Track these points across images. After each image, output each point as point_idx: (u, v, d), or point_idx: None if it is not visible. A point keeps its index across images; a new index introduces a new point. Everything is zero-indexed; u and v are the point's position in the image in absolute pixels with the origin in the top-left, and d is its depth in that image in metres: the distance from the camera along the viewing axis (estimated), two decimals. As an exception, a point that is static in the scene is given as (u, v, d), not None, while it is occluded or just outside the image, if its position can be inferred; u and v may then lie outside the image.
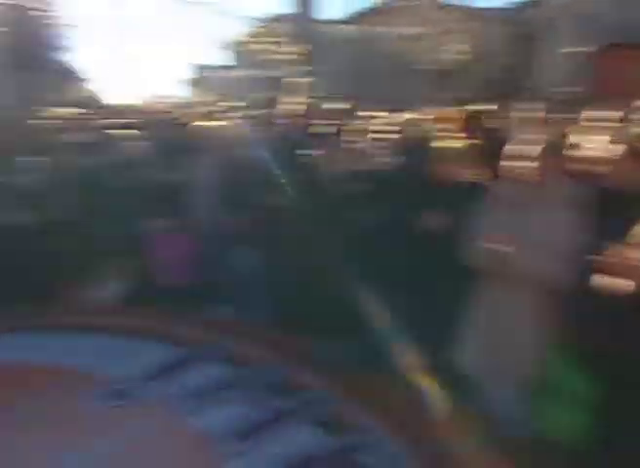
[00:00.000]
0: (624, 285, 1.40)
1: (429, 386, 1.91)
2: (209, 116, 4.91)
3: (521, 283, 2.09)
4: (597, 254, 1.49)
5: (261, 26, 16.58)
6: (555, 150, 2.28)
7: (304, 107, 4.68)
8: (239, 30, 17.40)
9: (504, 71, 13.62)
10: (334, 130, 3.60)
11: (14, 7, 11.78)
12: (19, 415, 2.06)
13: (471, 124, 3.00)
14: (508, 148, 2.33)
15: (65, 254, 3.63)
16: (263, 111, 5.22)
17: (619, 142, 1.77)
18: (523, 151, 2.28)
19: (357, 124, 3.78)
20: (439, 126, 3.29)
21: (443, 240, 2.52)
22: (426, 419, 1.79)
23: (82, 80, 14.30)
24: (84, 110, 6.01)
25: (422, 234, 2.70)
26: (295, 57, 13.41)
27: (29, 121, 4.84)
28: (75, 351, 2.56)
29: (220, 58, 18.14)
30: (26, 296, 3.30)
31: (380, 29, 15.23)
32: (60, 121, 5.17)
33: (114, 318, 3.07)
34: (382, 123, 3.79)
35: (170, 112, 6.31)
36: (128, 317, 3.11)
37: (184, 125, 4.48)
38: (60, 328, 2.88)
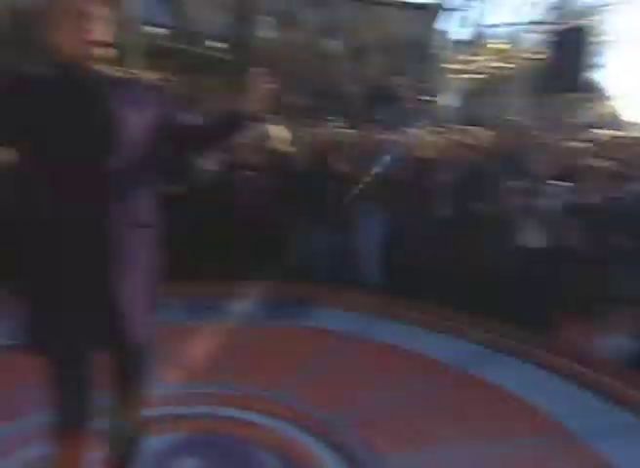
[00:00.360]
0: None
1: None
2: None
3: None
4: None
5: None
6: None
7: None
8: None
9: None
10: None
11: (551, 32, 12.29)
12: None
13: None
14: None
15: (566, 285, 3.38)
16: None
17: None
18: None
19: None
20: None
21: None
22: None
23: (607, 98, 13.63)
24: (617, 133, 5.52)
25: None
26: None
27: (557, 143, 4.80)
28: (556, 395, 2.25)
29: None
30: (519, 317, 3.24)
31: None
32: (588, 143, 4.90)
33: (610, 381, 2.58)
34: None
35: None
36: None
37: None
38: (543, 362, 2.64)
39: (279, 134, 4.47)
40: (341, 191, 4.04)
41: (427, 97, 11.82)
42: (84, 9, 1.25)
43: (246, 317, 3.25)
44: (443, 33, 13.48)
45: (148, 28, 19.06)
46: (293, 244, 3.88)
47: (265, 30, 22.99)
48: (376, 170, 4.18)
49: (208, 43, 20.94)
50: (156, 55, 16.63)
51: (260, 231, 3.83)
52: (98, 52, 1.30)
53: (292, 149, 4.47)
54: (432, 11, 13.81)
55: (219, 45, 20.13)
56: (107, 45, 1.31)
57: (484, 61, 13.03)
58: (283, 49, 21.88)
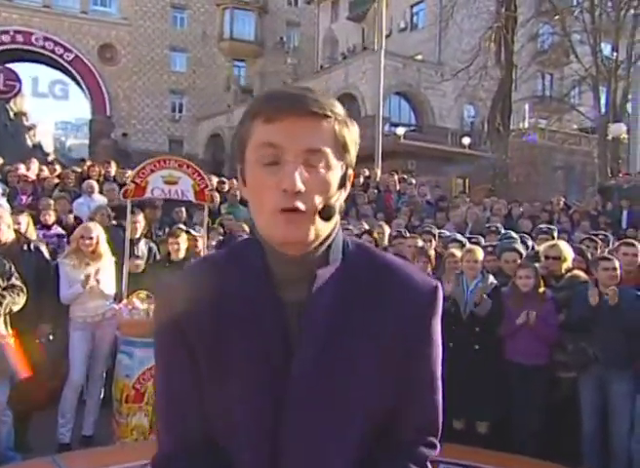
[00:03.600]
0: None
1: None
2: None
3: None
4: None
5: None
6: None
7: None
8: None
9: None
10: None
11: None
12: None
13: None
14: None
15: None
16: None
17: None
18: None
19: None
20: None
21: None
22: None
23: None
24: None
25: None
26: None
27: None
28: None
29: None
30: None
31: None
32: None
33: None
34: None
35: None
36: None
37: None
38: None
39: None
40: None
41: None
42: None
43: None
44: None
45: (393, 128, 21.90)
46: None
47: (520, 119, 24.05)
48: None
49: (453, 138, 22.95)
50: (399, 154, 19.01)
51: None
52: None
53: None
54: None
55: (465, 140, 21.86)
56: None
57: None
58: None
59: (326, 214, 0.89)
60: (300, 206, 0.86)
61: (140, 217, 5.10)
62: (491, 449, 3.80)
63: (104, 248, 4.04)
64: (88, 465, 3.40)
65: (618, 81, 19.50)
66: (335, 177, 0.90)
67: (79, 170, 7.90)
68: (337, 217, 0.94)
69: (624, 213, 9.42)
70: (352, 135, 0.92)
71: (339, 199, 0.92)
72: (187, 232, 4.42)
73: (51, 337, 4.34)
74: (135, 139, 32.56)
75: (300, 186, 0.85)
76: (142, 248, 5.14)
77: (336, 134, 0.89)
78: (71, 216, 6.43)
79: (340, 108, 0.91)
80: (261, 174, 0.88)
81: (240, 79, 34.31)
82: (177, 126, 33.74)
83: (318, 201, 0.88)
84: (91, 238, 3.93)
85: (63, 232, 6.07)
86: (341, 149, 0.91)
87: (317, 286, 0.92)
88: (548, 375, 3.87)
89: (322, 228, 0.90)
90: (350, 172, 0.94)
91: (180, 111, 33.81)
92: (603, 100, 19.96)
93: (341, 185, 0.92)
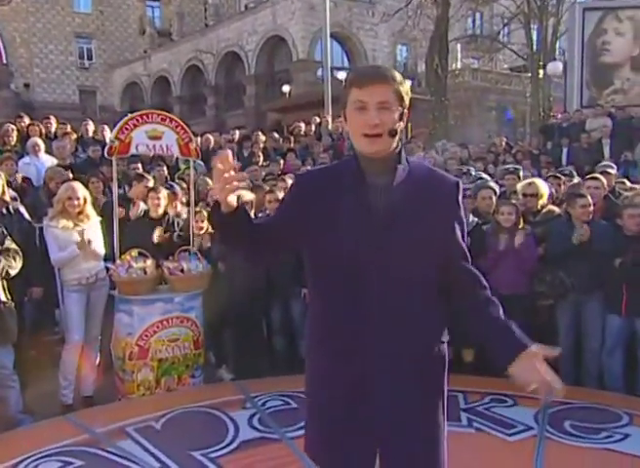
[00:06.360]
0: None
1: None
2: None
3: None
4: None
5: None
6: None
7: None
8: None
9: None
10: None
11: None
12: None
13: None
14: None
15: None
16: None
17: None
18: None
19: None
20: None
21: None
22: None
23: None
24: None
25: None
26: None
27: None
28: None
29: None
30: None
31: None
32: None
33: None
34: None
35: None
36: None
37: None
38: None
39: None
40: None
41: None
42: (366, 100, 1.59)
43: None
44: None
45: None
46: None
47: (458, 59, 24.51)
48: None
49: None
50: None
51: None
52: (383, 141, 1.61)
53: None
54: None
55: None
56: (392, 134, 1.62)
57: None
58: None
59: (392, 133, 1.62)
60: (378, 132, 1.60)
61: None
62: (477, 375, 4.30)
63: (90, 208, 4.12)
64: (105, 421, 3.62)
65: (548, 18, 20.28)
66: (395, 114, 1.62)
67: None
68: (398, 137, 1.65)
69: (564, 151, 10.11)
70: (404, 90, 1.64)
71: (399, 126, 1.65)
72: (170, 187, 4.51)
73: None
74: (39, 91, 30.79)
75: (377, 121, 1.59)
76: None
77: (395, 90, 1.61)
78: (19, 177, 6.33)
79: (397, 75, 1.65)
80: (355, 115, 1.63)
81: (155, 21, 32.97)
82: (87, 74, 32.11)
83: (387, 127, 1.60)
84: (78, 198, 4.00)
85: (14, 194, 6.00)
86: (398, 99, 1.62)
87: (398, 173, 1.66)
88: (528, 303, 4.38)
89: (390, 142, 1.63)
90: (405, 111, 1.66)
91: (90, 58, 32.16)
92: (534, 38, 20.74)
93: (400, 118, 1.64)
